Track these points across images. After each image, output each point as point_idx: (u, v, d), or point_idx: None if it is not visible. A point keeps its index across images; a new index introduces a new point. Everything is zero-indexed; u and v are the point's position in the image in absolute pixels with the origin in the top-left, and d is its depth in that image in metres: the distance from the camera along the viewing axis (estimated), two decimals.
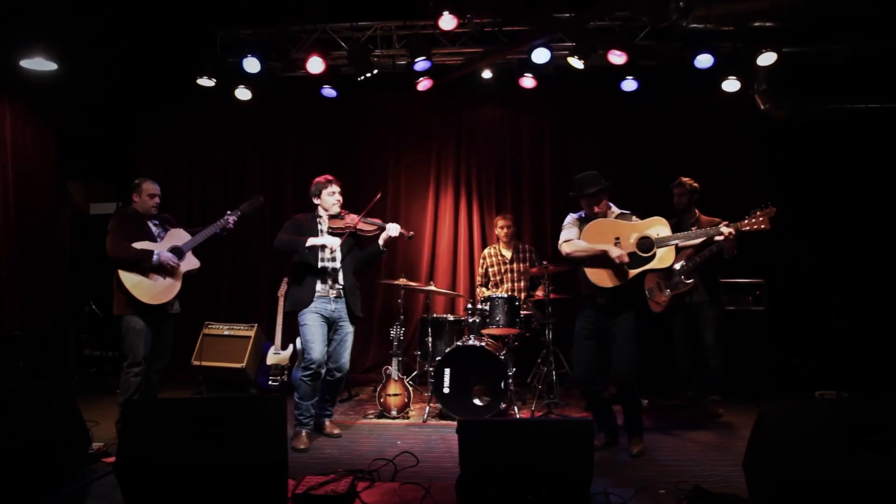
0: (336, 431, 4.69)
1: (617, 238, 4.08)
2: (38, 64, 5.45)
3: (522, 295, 6.08)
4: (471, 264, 6.96)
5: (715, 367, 5.16)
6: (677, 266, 5.16)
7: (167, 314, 4.52)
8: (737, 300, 5.86)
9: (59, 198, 6.91)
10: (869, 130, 6.13)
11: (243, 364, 6.07)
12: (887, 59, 5.78)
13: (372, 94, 6.77)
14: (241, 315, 6.89)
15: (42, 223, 6.47)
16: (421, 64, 5.86)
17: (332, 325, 4.57)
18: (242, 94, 6.38)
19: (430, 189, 7.09)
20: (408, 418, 5.19)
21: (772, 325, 5.82)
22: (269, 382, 5.90)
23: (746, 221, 4.09)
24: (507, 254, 6.26)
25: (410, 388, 5.32)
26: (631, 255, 4.01)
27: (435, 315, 5.85)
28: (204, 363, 6.10)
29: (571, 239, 4.16)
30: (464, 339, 5.26)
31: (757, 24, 5.45)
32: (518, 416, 5.05)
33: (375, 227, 4.62)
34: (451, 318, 5.75)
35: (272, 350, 5.97)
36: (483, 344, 5.05)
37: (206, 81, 6.07)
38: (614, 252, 3.98)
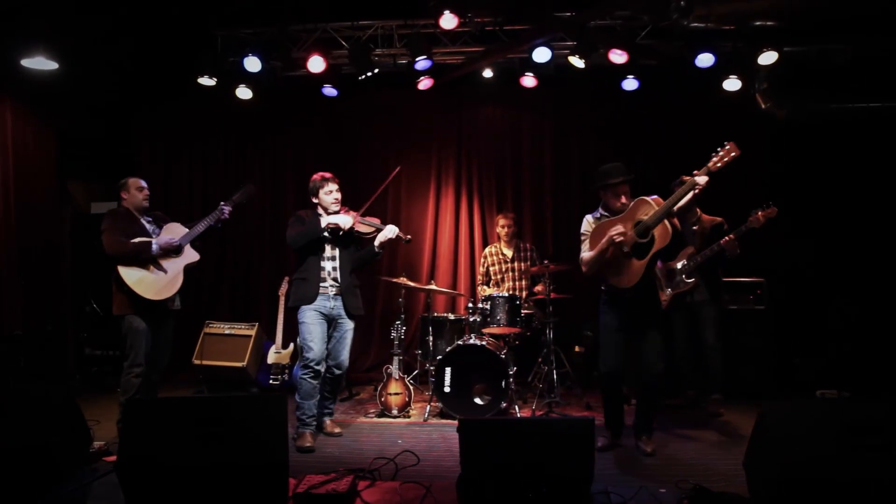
0: (337, 430, 4.70)
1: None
2: (39, 63, 5.46)
3: (523, 294, 6.08)
4: (471, 263, 6.96)
5: (716, 366, 5.17)
6: (679, 265, 5.16)
7: (168, 311, 4.51)
8: (738, 299, 5.86)
9: (60, 197, 6.91)
10: (869, 130, 6.12)
11: (244, 363, 6.08)
12: (888, 59, 5.78)
13: (373, 93, 6.77)
14: (241, 314, 6.89)
15: (42, 223, 6.48)
16: (422, 63, 5.86)
17: (331, 322, 4.57)
18: (243, 93, 6.39)
19: (431, 188, 7.09)
20: (409, 417, 5.20)
21: (773, 324, 5.82)
22: (270, 381, 5.90)
23: (716, 158, 4.09)
24: (508, 253, 6.26)
25: (411, 387, 5.32)
26: (634, 247, 3.93)
27: (436, 314, 5.85)
28: (205, 362, 6.10)
29: (583, 255, 4.15)
30: (465, 338, 5.26)
31: (758, 23, 5.45)
32: (519, 416, 5.05)
33: (373, 230, 4.60)
34: (451, 317, 5.75)
35: (273, 349, 5.98)
36: (484, 343, 5.05)
37: (206, 81, 6.08)
38: (616, 231, 3.90)
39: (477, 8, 5.56)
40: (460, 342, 5.15)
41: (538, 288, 5.92)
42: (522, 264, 6.22)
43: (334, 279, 4.54)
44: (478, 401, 4.97)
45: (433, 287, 5.88)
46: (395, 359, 5.30)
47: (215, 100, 6.61)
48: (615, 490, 3.38)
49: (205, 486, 2.97)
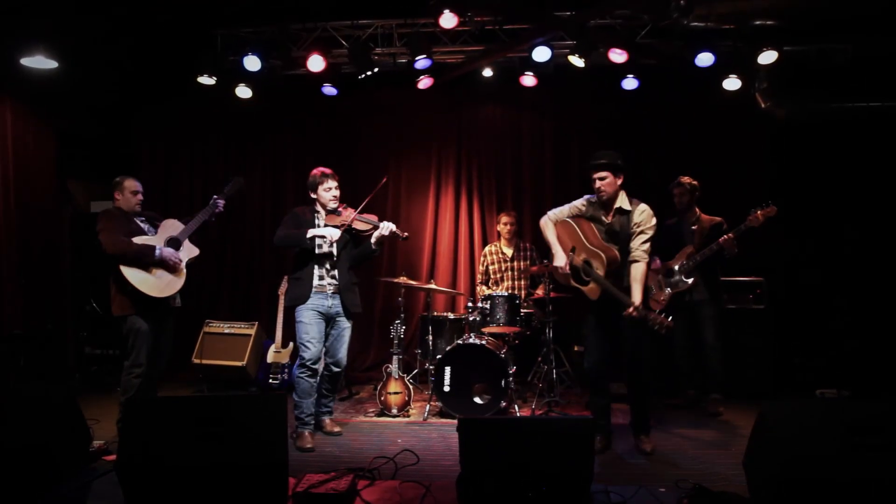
0: (336, 429, 4.70)
1: (573, 248, 4.17)
2: (39, 62, 5.45)
3: (523, 293, 6.08)
4: (471, 263, 6.96)
5: (715, 365, 5.17)
6: (678, 265, 5.16)
7: (169, 309, 4.49)
8: (737, 299, 5.86)
9: (60, 197, 6.91)
10: (869, 129, 6.12)
11: (244, 362, 6.08)
12: (888, 59, 5.78)
13: (372, 92, 6.77)
14: (241, 313, 6.89)
15: (42, 222, 6.47)
16: (421, 62, 5.86)
17: (329, 320, 4.57)
18: (243, 92, 6.39)
19: (431, 187, 7.09)
20: (408, 416, 5.20)
21: (772, 323, 5.82)
22: (270, 381, 5.91)
23: (653, 315, 3.92)
24: (508, 252, 6.26)
25: (411, 387, 5.32)
26: (574, 269, 4.16)
27: (435, 313, 5.85)
28: (204, 361, 6.11)
29: (552, 219, 4.29)
30: (464, 337, 5.26)
31: (758, 22, 5.45)
32: (518, 415, 5.05)
33: (370, 227, 4.58)
34: (451, 316, 5.75)
35: (273, 348, 5.98)
36: (483, 342, 5.05)
37: (206, 80, 6.08)
38: (558, 261, 4.16)
39: (477, 7, 5.55)
40: (460, 341, 5.15)
41: (539, 292, 5.91)
42: (522, 263, 6.22)
43: (332, 277, 4.54)
44: (477, 400, 4.97)
45: (433, 286, 5.88)
46: (395, 358, 5.30)
47: (215, 99, 6.61)
48: (615, 490, 3.39)
49: (204, 485, 2.98)
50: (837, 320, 6.08)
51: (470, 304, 5.59)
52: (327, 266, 4.54)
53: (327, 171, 4.60)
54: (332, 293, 4.54)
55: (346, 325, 4.62)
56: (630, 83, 6.17)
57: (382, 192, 7.03)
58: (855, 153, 6.23)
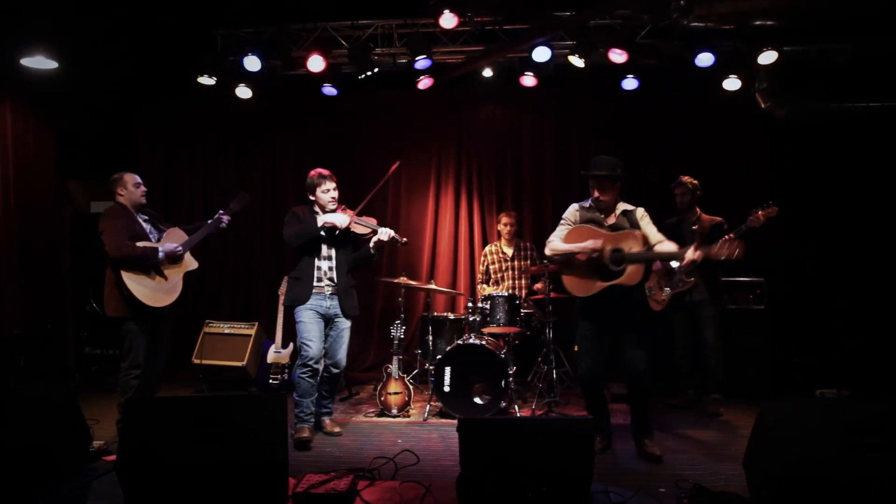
0: (336, 430, 4.70)
1: (593, 250, 3.99)
2: (39, 62, 5.45)
3: (523, 293, 6.08)
4: (471, 263, 6.96)
5: (715, 365, 5.17)
6: (678, 265, 5.16)
7: (163, 312, 4.49)
8: (737, 299, 5.86)
9: (60, 196, 6.91)
10: (869, 130, 6.12)
11: (244, 363, 6.08)
12: (888, 59, 5.78)
13: (372, 92, 6.77)
14: (241, 313, 6.90)
15: (42, 222, 6.47)
16: (421, 62, 5.86)
17: (328, 321, 4.57)
18: (243, 92, 6.38)
19: (431, 187, 7.09)
20: (408, 417, 5.20)
21: (772, 324, 5.82)
22: (270, 381, 5.91)
23: (717, 247, 3.83)
24: (509, 251, 6.26)
25: (411, 387, 5.32)
26: (601, 267, 3.95)
27: (435, 313, 5.85)
28: (204, 362, 6.11)
29: (554, 240, 4.12)
30: (464, 337, 5.26)
31: (758, 22, 5.45)
32: (518, 415, 5.05)
33: (369, 231, 4.57)
34: (451, 316, 5.75)
35: (273, 349, 5.98)
36: (483, 342, 5.05)
37: (206, 80, 6.07)
38: (587, 243, 3.91)
39: (477, 7, 5.55)
40: (460, 341, 5.15)
41: (538, 286, 5.92)
42: (522, 263, 6.22)
43: (330, 279, 4.54)
44: (477, 400, 4.97)
45: (433, 286, 5.88)
46: (395, 358, 5.30)
47: (215, 99, 6.61)
48: (615, 490, 3.39)
49: (204, 485, 2.98)
50: (837, 320, 6.08)
51: (470, 305, 5.59)
52: (326, 267, 4.54)
53: (325, 172, 4.59)
54: (331, 294, 4.54)
55: (344, 326, 4.62)
56: (630, 83, 6.17)
57: (382, 192, 7.07)
58: (855, 153, 6.23)
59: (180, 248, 4.41)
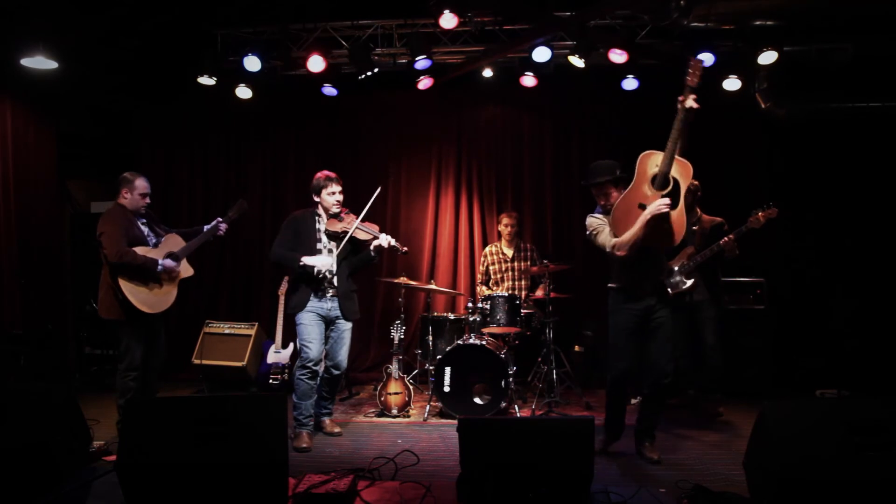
0: (336, 430, 4.70)
1: (640, 204, 3.79)
2: (39, 62, 5.45)
3: (523, 293, 6.09)
4: (471, 263, 6.96)
5: (715, 366, 5.16)
6: (678, 265, 5.16)
7: (157, 315, 4.47)
8: (738, 299, 5.86)
9: (60, 196, 6.91)
10: (870, 130, 6.12)
11: (244, 363, 6.08)
12: (888, 59, 5.78)
13: (372, 92, 6.77)
14: (241, 314, 6.90)
15: (43, 222, 6.48)
16: (422, 62, 5.86)
17: (329, 323, 4.58)
18: (243, 92, 6.39)
19: (431, 188, 7.09)
20: (408, 417, 5.20)
21: (773, 324, 5.83)
22: (270, 381, 5.90)
23: (690, 75, 3.82)
24: (509, 252, 6.26)
25: (411, 387, 5.33)
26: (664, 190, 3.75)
27: (435, 314, 5.86)
28: (205, 362, 6.10)
29: (612, 239, 3.87)
30: (464, 337, 5.26)
31: (758, 22, 5.45)
32: (519, 415, 5.05)
33: (371, 237, 4.58)
34: (451, 316, 5.75)
35: (273, 349, 5.97)
36: (484, 343, 5.05)
37: (206, 80, 6.08)
38: (658, 203, 3.67)
39: (477, 7, 5.56)
40: (460, 342, 5.15)
41: (538, 293, 5.90)
42: (522, 264, 6.22)
43: (330, 284, 4.55)
44: (477, 400, 4.97)
45: (433, 287, 5.88)
46: (395, 358, 5.30)
47: (215, 99, 6.61)
48: (615, 490, 3.39)
49: (204, 485, 2.98)
50: (837, 320, 6.08)
51: (470, 305, 5.59)
52: (328, 274, 4.55)
53: (332, 174, 4.58)
54: (331, 296, 4.55)
55: (345, 328, 4.63)
56: (630, 83, 6.17)
57: (382, 193, 7.06)
58: (855, 153, 6.24)
59: (178, 267, 4.41)
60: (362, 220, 4.60)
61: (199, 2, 5.65)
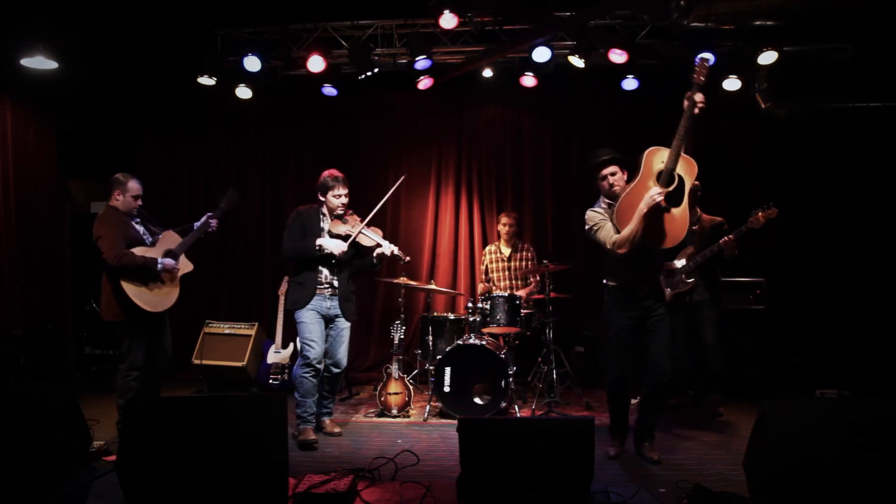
0: (336, 430, 4.70)
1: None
2: (39, 63, 5.45)
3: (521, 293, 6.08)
4: (471, 263, 6.96)
5: (715, 365, 5.16)
6: (678, 265, 5.16)
7: (162, 313, 4.48)
8: (737, 299, 5.86)
9: (60, 196, 6.91)
10: (870, 130, 6.12)
11: (244, 363, 6.08)
12: (888, 59, 5.78)
13: (372, 92, 6.77)
14: (241, 314, 6.90)
15: (42, 222, 6.47)
16: (422, 62, 5.86)
17: (328, 321, 4.59)
18: (243, 92, 6.38)
19: (431, 188, 7.09)
20: (408, 417, 5.20)
21: (772, 324, 5.82)
22: (270, 381, 5.90)
23: (697, 73, 3.72)
24: (507, 252, 6.26)
25: (411, 387, 5.32)
26: (666, 196, 3.67)
27: (435, 314, 5.86)
28: (205, 362, 6.10)
29: (612, 235, 3.79)
30: (464, 337, 5.26)
31: (758, 22, 5.45)
32: (519, 415, 5.05)
33: (374, 243, 4.58)
34: (451, 316, 5.75)
35: (273, 349, 5.97)
36: (484, 343, 5.05)
37: (206, 80, 6.07)
38: (653, 192, 3.60)
39: (477, 7, 5.55)
40: (460, 342, 5.15)
41: (520, 292, 5.88)
42: (520, 264, 6.22)
43: (330, 283, 4.56)
44: (477, 400, 4.97)
45: (433, 287, 5.88)
46: (395, 358, 5.30)
47: (215, 99, 6.61)
48: (615, 490, 3.38)
49: (204, 485, 2.98)
50: (837, 320, 6.08)
51: (470, 305, 5.59)
52: (328, 272, 4.55)
53: (339, 175, 4.56)
54: (331, 295, 4.56)
55: (344, 326, 4.64)
56: (630, 83, 6.16)
57: (383, 193, 7.05)
58: (855, 153, 6.23)
59: (177, 265, 4.41)
60: (367, 225, 4.60)
61: (199, 2, 5.65)
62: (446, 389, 5.00)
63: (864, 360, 5.79)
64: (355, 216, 4.64)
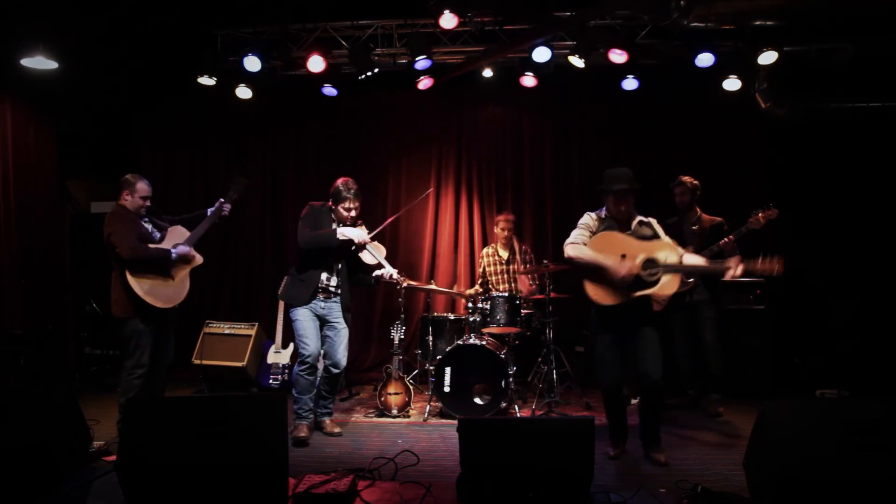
0: (337, 430, 4.70)
1: (623, 255, 3.85)
2: (39, 63, 5.45)
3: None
4: (471, 263, 6.96)
5: (715, 366, 5.17)
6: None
7: (170, 311, 4.49)
8: (737, 299, 5.86)
9: (60, 196, 6.91)
10: (870, 130, 6.12)
11: (244, 363, 6.08)
12: (888, 59, 5.78)
13: (373, 92, 6.77)
14: (242, 314, 6.90)
15: (43, 222, 6.47)
16: (422, 62, 5.86)
17: (324, 322, 4.61)
18: (243, 92, 6.38)
19: (431, 188, 7.08)
20: (408, 417, 5.20)
21: (772, 324, 5.82)
22: (270, 381, 5.91)
23: (759, 263, 3.86)
24: (504, 254, 6.24)
25: (411, 387, 5.32)
26: (636, 278, 3.81)
27: (435, 314, 5.85)
28: (205, 362, 6.11)
29: (578, 243, 3.97)
30: (464, 337, 5.26)
31: (758, 22, 5.45)
32: (519, 415, 5.05)
33: (375, 262, 4.62)
34: (451, 316, 5.76)
35: (273, 349, 5.98)
36: (484, 343, 5.05)
37: (206, 80, 6.07)
38: (621, 270, 3.77)
39: (477, 7, 5.55)
40: (460, 342, 5.15)
41: (502, 288, 5.95)
42: (518, 266, 6.21)
43: (328, 288, 4.58)
44: (477, 400, 4.97)
45: (433, 287, 5.88)
46: (395, 358, 5.30)
47: (215, 100, 6.61)
48: (615, 490, 3.38)
49: (204, 485, 2.98)
50: (837, 320, 6.07)
51: (470, 305, 5.59)
52: (325, 278, 4.56)
53: (353, 186, 4.55)
54: (327, 298, 4.59)
55: (341, 327, 4.65)
56: (630, 83, 6.16)
57: (383, 193, 7.07)
58: (855, 153, 6.23)
59: (192, 250, 4.40)
60: (373, 239, 4.62)
61: (199, 2, 5.65)
62: (446, 389, 5.00)
63: (864, 360, 5.78)
64: (364, 228, 4.66)
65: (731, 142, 6.52)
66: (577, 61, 5.64)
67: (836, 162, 6.28)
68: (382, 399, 5.24)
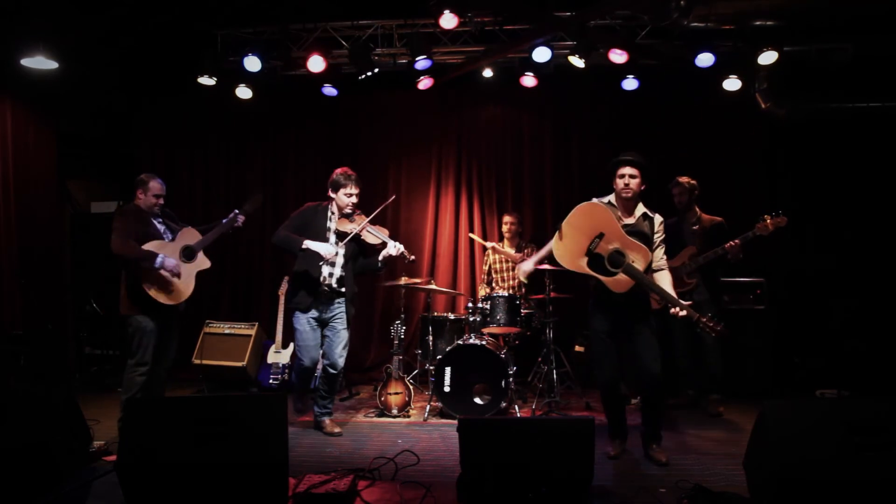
0: (337, 430, 4.70)
1: (601, 234, 3.83)
2: (39, 63, 5.45)
3: (523, 292, 6.08)
4: (471, 263, 6.96)
5: (715, 366, 5.17)
6: (679, 265, 5.16)
7: (175, 311, 4.51)
8: (738, 299, 5.86)
9: (60, 196, 6.92)
10: (870, 130, 6.12)
11: (244, 363, 6.09)
12: (888, 59, 5.78)
13: (372, 92, 6.77)
14: (242, 314, 6.90)
15: (43, 222, 6.48)
16: (422, 63, 5.86)
17: (325, 323, 4.62)
18: (243, 92, 6.38)
19: (431, 188, 7.09)
20: (408, 417, 5.20)
21: (772, 324, 5.83)
22: (270, 381, 5.91)
23: (705, 319, 3.70)
24: (511, 251, 6.25)
25: (411, 387, 5.32)
26: (597, 256, 3.83)
27: (436, 314, 5.86)
28: (205, 362, 6.11)
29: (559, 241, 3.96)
30: (464, 337, 5.26)
31: (758, 22, 5.45)
32: (519, 415, 5.05)
33: (379, 241, 4.58)
34: (451, 316, 5.76)
35: (273, 349, 5.98)
36: (484, 342, 5.05)
37: (206, 80, 6.07)
38: (523, 266, 4.20)
39: (477, 7, 5.55)
40: (460, 342, 5.15)
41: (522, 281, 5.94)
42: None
43: (328, 285, 4.57)
44: (478, 400, 4.97)
45: (433, 287, 5.88)
46: (395, 358, 5.30)
47: (215, 100, 6.61)
48: (615, 490, 3.38)
49: (204, 485, 2.98)
50: (837, 320, 6.08)
51: (470, 305, 5.60)
52: (328, 273, 4.56)
53: (351, 173, 4.58)
54: (330, 296, 4.58)
55: (342, 328, 4.65)
56: (630, 83, 6.16)
57: (383, 193, 7.06)
58: (855, 153, 6.23)
59: (178, 269, 4.39)
60: (371, 223, 4.60)
61: (199, 2, 5.65)
62: (446, 389, 5.00)
63: (864, 360, 5.79)
64: (363, 216, 4.64)
65: (731, 142, 6.51)
66: (577, 61, 5.64)
67: (836, 162, 6.27)
68: (382, 399, 5.24)
